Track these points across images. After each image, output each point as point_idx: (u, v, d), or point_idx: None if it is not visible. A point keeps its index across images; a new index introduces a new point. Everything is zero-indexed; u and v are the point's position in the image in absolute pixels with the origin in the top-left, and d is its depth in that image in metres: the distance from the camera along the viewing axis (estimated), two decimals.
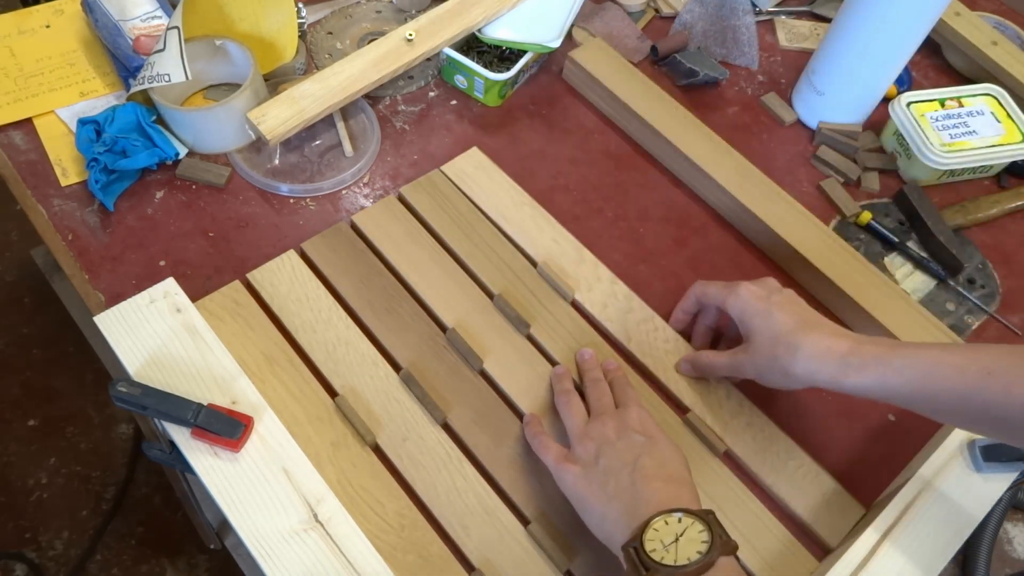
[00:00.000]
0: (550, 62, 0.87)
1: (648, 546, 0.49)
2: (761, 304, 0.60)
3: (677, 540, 0.49)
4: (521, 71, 0.81)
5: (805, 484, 0.63)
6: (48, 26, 0.81)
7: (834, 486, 0.63)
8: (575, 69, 0.84)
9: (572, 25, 0.85)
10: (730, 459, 0.64)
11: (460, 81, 0.82)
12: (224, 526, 1.05)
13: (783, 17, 0.97)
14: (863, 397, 0.55)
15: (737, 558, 0.51)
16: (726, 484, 0.62)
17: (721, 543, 0.49)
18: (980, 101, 0.84)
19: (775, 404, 0.66)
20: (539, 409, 0.64)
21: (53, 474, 1.34)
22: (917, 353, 0.53)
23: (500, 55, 0.84)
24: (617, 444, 0.56)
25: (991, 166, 0.84)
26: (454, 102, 0.83)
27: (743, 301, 0.61)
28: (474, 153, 0.77)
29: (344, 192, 0.75)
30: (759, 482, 0.63)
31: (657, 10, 0.94)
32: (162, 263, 0.69)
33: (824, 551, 0.61)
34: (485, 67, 0.79)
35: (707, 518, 0.50)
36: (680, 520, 0.50)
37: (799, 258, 0.73)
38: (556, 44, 0.79)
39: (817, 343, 0.56)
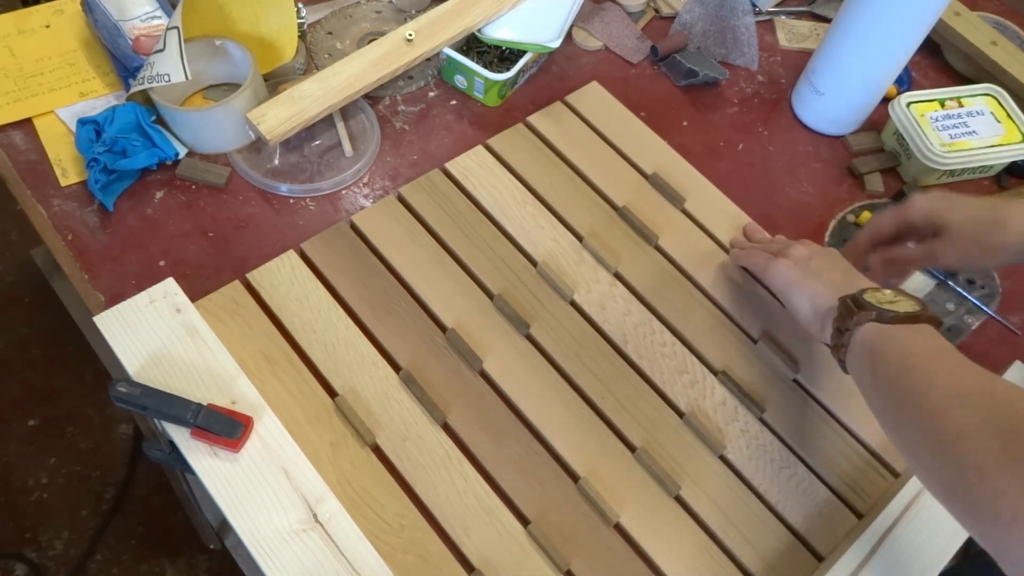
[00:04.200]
0: (550, 62, 0.87)
1: (866, 296, 0.55)
2: (945, 202, 0.64)
3: (892, 302, 0.54)
4: (521, 71, 0.81)
5: (798, 494, 0.63)
6: (48, 26, 0.81)
7: (827, 495, 0.63)
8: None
9: (572, 25, 0.85)
10: (727, 461, 0.64)
11: (460, 81, 0.82)
12: (224, 526, 1.05)
13: (783, 17, 0.97)
14: None
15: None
16: (726, 484, 0.62)
17: (930, 314, 0.54)
18: (980, 101, 0.84)
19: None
20: (539, 408, 0.64)
21: (53, 474, 1.34)
22: None
23: (500, 55, 0.84)
24: (827, 258, 0.63)
25: (991, 166, 0.84)
26: (454, 102, 0.83)
27: (924, 204, 0.64)
28: (479, 151, 0.77)
29: (344, 192, 0.75)
30: (752, 488, 0.63)
31: (657, 10, 0.94)
32: (162, 263, 0.69)
33: (818, 558, 0.61)
34: (485, 67, 0.79)
35: (919, 300, 0.55)
36: (895, 295, 0.55)
37: None
38: (556, 44, 0.79)
39: (1021, 211, 0.61)
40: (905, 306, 0.54)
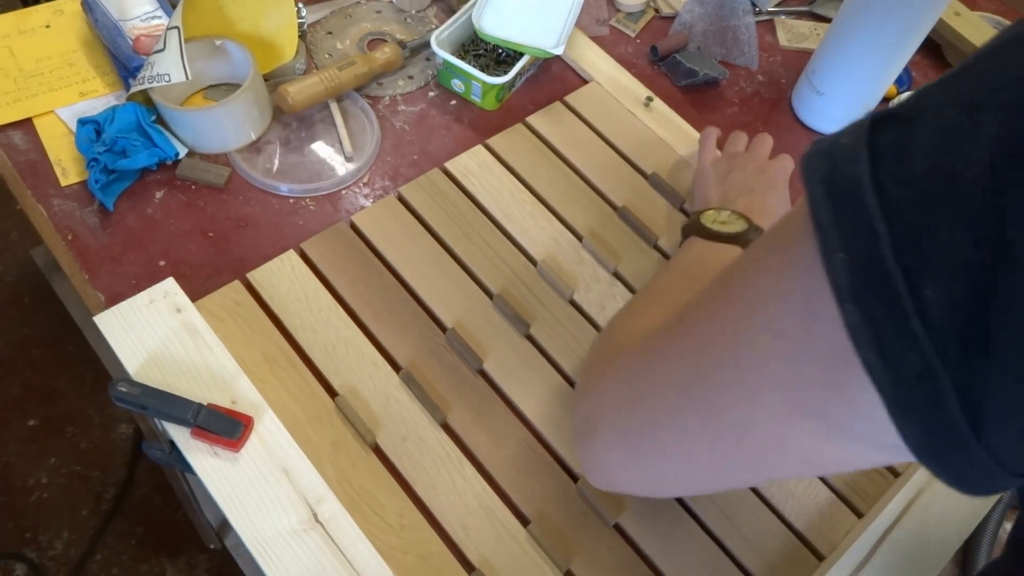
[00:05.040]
0: (548, 62, 0.87)
1: (703, 218, 0.64)
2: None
3: (723, 223, 0.63)
4: (519, 74, 0.81)
5: (799, 493, 0.63)
6: (48, 26, 0.81)
7: (828, 495, 0.63)
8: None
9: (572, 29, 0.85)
10: None
11: (457, 86, 0.82)
12: (224, 526, 1.05)
13: (783, 17, 0.97)
14: None
15: None
16: None
17: (740, 235, 0.61)
18: None
19: None
20: (538, 408, 0.64)
21: (53, 474, 1.34)
22: None
23: (497, 58, 0.84)
24: (747, 176, 0.70)
25: None
26: (454, 102, 0.83)
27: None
28: (478, 151, 0.77)
29: (344, 192, 0.75)
30: (752, 487, 0.63)
31: (657, 10, 0.94)
32: (162, 263, 0.69)
33: (819, 558, 0.61)
34: (482, 71, 0.79)
35: (752, 225, 0.62)
36: (729, 217, 0.64)
37: None
38: (558, 51, 0.79)
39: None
40: (731, 228, 0.62)
